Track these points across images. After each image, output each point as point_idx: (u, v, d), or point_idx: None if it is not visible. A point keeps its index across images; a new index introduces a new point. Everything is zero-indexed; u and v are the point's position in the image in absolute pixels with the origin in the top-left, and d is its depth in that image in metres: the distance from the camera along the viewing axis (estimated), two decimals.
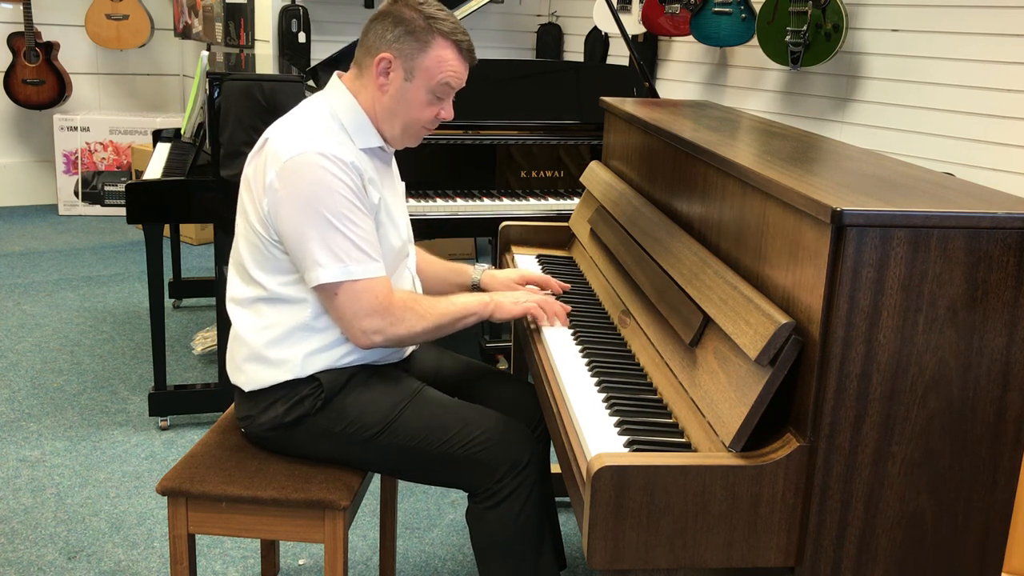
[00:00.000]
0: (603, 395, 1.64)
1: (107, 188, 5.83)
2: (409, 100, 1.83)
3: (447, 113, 1.89)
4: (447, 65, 1.82)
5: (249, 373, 1.85)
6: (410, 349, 2.02)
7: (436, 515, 2.71)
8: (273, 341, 1.82)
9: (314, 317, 1.82)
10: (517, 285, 2.12)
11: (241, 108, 2.95)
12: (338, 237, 1.73)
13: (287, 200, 1.73)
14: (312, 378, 1.83)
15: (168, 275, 4.22)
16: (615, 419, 1.55)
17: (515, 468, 1.79)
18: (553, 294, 2.11)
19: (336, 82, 1.88)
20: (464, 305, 1.89)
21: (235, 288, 1.88)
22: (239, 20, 5.18)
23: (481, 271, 2.17)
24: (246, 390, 1.87)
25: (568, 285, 2.18)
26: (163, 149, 3.78)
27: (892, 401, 1.32)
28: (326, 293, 1.77)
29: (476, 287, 2.16)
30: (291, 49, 5.09)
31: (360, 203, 1.76)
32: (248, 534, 1.83)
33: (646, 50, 5.23)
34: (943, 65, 3.86)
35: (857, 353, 1.30)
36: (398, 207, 1.95)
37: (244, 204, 1.84)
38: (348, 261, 1.73)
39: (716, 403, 1.43)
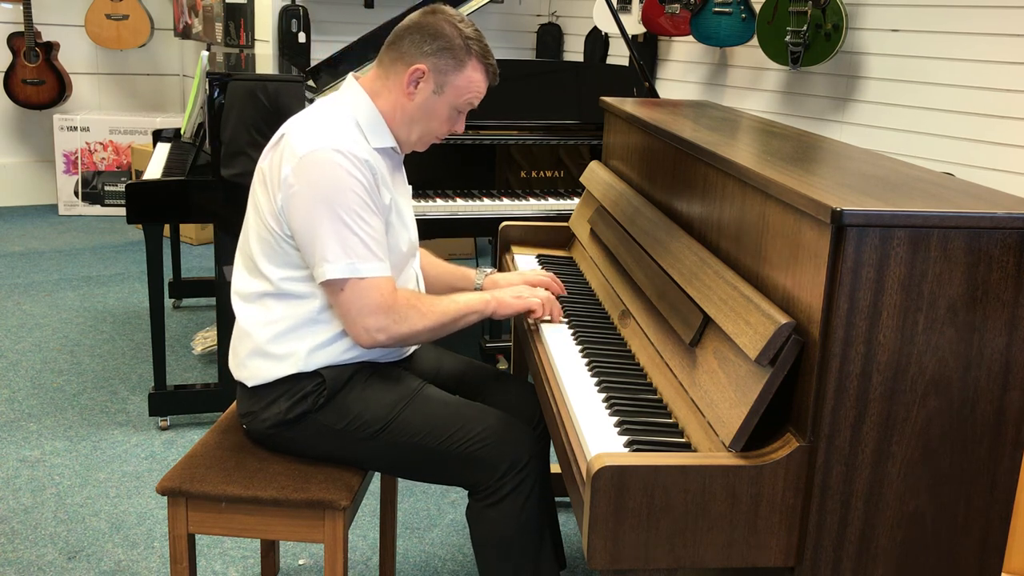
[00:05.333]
0: (603, 395, 1.65)
1: (107, 188, 5.83)
2: (433, 112, 1.88)
3: (460, 127, 1.95)
4: (475, 86, 1.88)
5: (252, 368, 1.86)
6: (412, 348, 2.02)
7: (436, 515, 2.71)
8: (278, 335, 1.83)
9: (319, 311, 1.83)
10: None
11: (242, 108, 2.95)
12: (348, 234, 1.74)
13: (301, 195, 1.75)
14: (315, 374, 1.83)
15: (168, 275, 4.22)
16: (615, 419, 1.55)
17: (515, 466, 1.79)
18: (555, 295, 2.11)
19: (353, 83, 1.90)
20: (466, 303, 1.90)
21: (241, 282, 1.88)
22: (239, 20, 5.18)
23: (484, 275, 2.17)
24: (249, 386, 1.87)
25: (565, 291, 2.18)
26: (163, 149, 3.78)
27: (892, 401, 1.32)
28: (332, 289, 1.78)
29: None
30: (291, 49, 5.10)
31: (372, 202, 1.78)
32: (248, 534, 1.83)
33: (646, 50, 5.23)
34: (943, 65, 3.86)
35: (857, 353, 1.30)
36: (407, 210, 1.98)
37: (257, 198, 1.84)
38: (356, 259, 1.74)
39: (716, 403, 1.43)
